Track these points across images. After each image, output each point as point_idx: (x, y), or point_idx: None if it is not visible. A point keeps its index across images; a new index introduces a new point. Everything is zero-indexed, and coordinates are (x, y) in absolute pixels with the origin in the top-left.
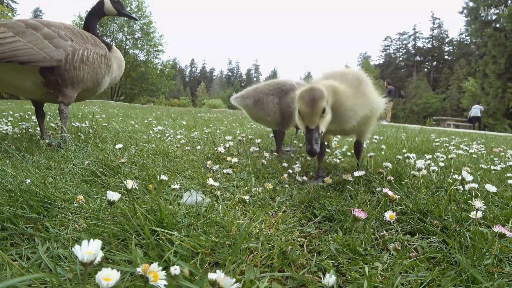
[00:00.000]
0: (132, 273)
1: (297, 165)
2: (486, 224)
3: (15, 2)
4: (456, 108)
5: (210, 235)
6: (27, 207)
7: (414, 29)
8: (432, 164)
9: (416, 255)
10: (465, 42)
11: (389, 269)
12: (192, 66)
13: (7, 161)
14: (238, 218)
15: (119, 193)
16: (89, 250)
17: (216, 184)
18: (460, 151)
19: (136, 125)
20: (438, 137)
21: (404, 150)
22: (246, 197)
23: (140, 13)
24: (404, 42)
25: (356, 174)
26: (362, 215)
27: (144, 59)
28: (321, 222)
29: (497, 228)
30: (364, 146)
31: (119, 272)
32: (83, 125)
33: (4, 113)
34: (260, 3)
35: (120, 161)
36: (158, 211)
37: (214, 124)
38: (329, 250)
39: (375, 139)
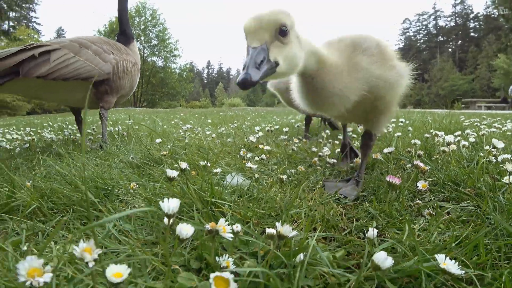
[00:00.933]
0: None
1: (326, 149)
2: None
3: (40, 24)
4: (487, 88)
5: (256, 208)
6: (90, 193)
7: (434, 7)
8: (462, 140)
9: (451, 217)
10: (493, 15)
11: (425, 230)
12: (209, 67)
13: (59, 161)
14: (278, 195)
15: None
16: (170, 205)
17: (254, 166)
18: (493, 129)
19: (165, 126)
20: (467, 118)
21: (432, 130)
22: (284, 177)
23: (154, 21)
24: (424, 22)
25: (386, 150)
26: (396, 180)
27: (162, 65)
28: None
29: None
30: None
31: (192, 227)
32: (116, 129)
33: (44, 124)
34: None
35: (162, 153)
36: (208, 189)
37: (238, 120)
38: (367, 215)
39: (401, 122)
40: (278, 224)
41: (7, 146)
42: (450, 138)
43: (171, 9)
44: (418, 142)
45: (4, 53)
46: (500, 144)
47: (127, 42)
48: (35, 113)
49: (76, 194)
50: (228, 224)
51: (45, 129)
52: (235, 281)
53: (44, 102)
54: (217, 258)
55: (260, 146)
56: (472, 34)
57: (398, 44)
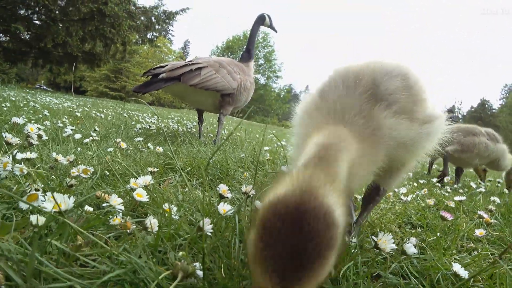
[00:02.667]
0: None
1: None
2: None
3: (173, 36)
4: None
5: None
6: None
7: None
8: None
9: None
10: None
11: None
12: (307, 91)
13: (183, 147)
14: None
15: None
16: None
17: None
18: None
19: (261, 138)
20: None
21: None
22: None
23: (264, 43)
24: None
25: (456, 198)
26: (448, 215)
27: (264, 83)
28: None
29: None
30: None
31: None
32: (223, 131)
33: (169, 116)
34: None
35: (266, 158)
36: None
37: None
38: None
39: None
40: None
41: (149, 127)
42: None
43: (282, 32)
44: (497, 199)
45: (174, 66)
46: None
47: (249, 59)
48: (153, 104)
49: (209, 167)
50: None
51: (169, 119)
52: None
53: (163, 97)
54: None
55: None
56: None
57: None
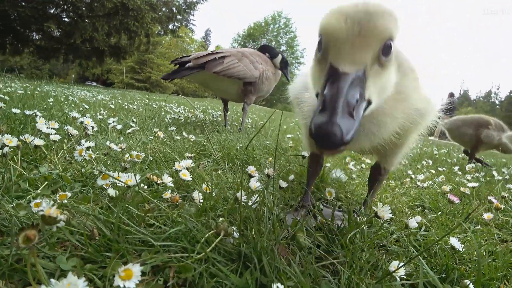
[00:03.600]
0: None
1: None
2: None
3: (194, 25)
4: None
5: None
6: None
7: None
8: None
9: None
10: None
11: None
12: None
13: (219, 134)
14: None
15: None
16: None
17: (354, 169)
18: None
19: (284, 126)
20: None
21: None
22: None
23: (286, 29)
24: None
25: (470, 185)
26: (455, 198)
27: None
28: None
29: None
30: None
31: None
32: (247, 120)
33: (194, 106)
34: None
35: (289, 145)
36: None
37: None
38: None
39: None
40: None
41: (178, 117)
42: None
43: (304, 18)
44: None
45: (198, 55)
46: None
47: (273, 57)
48: (177, 93)
49: (238, 153)
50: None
51: (195, 109)
52: None
53: (186, 87)
54: None
55: (363, 158)
56: None
57: None
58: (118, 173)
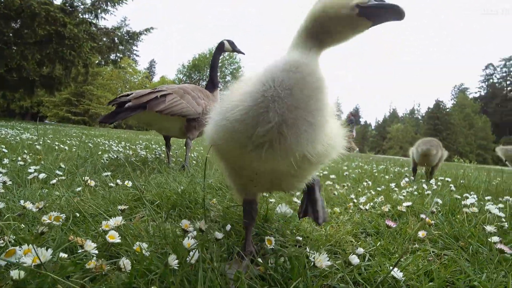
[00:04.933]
0: None
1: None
2: None
3: (138, 56)
4: None
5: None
6: (188, 201)
7: None
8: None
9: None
10: None
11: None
12: None
13: (159, 174)
14: (312, 224)
15: None
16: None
17: (299, 201)
18: None
19: None
20: None
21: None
22: None
23: (231, 59)
24: None
25: (405, 204)
26: (391, 223)
27: None
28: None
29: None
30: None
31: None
32: (192, 155)
33: (136, 142)
34: None
35: None
36: (265, 210)
37: None
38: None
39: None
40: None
41: (117, 156)
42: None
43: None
44: (439, 201)
45: (138, 94)
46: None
47: (213, 88)
48: (119, 127)
49: (178, 197)
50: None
51: (137, 145)
52: None
53: (128, 120)
54: None
55: None
56: None
57: (479, 91)
58: (27, 243)
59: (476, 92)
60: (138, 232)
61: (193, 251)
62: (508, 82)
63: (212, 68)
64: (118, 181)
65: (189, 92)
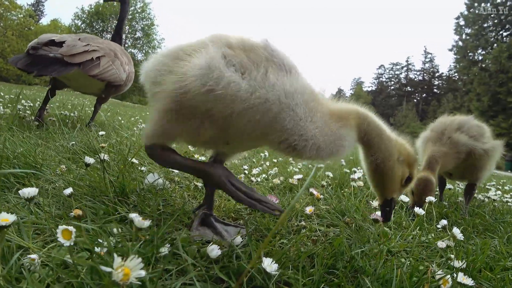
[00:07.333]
0: None
1: None
2: None
3: None
4: None
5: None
6: (18, 167)
7: (407, 61)
8: None
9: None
10: (454, 78)
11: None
12: None
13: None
14: (186, 198)
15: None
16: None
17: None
18: None
19: (123, 121)
20: None
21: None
22: (199, 184)
23: (143, 14)
24: (397, 72)
25: (295, 177)
26: (274, 198)
27: (141, 59)
28: None
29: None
30: None
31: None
32: (72, 114)
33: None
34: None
35: (100, 145)
36: (123, 181)
37: None
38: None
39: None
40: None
41: None
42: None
43: (170, 7)
44: (330, 174)
45: (72, 50)
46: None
47: (120, 43)
48: None
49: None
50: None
51: None
52: None
53: (4, 70)
54: None
55: (196, 156)
56: (435, 90)
57: (372, 86)
58: None
59: (369, 87)
60: None
61: None
62: (392, 82)
63: (120, 22)
64: None
65: (118, 57)
